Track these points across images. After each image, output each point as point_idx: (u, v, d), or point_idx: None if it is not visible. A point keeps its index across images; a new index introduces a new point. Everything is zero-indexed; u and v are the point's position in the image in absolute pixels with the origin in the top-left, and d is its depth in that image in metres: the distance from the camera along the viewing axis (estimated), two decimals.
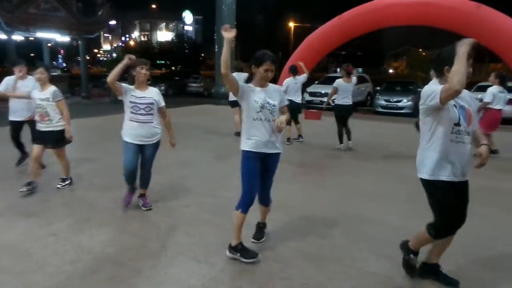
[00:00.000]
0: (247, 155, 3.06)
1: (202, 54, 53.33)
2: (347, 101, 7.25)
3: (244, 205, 3.07)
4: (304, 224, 3.92)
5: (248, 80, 3.22)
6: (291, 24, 44.44)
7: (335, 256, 3.27)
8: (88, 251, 3.25)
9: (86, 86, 17.99)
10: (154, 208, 4.23)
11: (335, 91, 7.31)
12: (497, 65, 32.10)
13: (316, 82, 17.59)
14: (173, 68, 46.52)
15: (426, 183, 2.62)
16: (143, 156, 4.09)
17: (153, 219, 4.00)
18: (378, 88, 18.61)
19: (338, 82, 7.24)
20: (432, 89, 2.47)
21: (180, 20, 79.54)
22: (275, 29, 47.35)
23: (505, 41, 10.19)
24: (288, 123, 7.00)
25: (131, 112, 3.91)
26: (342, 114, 7.33)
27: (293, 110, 6.95)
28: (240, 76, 6.98)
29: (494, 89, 6.81)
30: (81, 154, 6.50)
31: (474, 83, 15.11)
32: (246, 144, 3.05)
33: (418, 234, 2.79)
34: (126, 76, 3.96)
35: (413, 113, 14.41)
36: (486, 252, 3.35)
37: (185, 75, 26.41)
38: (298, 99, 7.95)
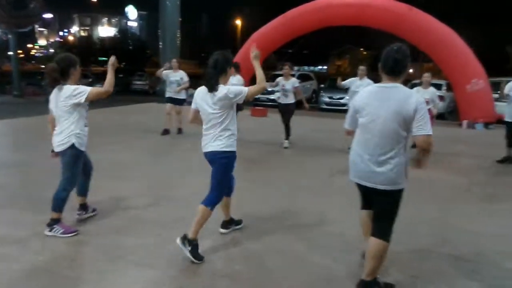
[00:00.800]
0: (234, 155, 3.23)
1: (148, 51, 51.82)
2: (287, 100, 7.44)
3: (215, 204, 3.19)
4: (248, 221, 3.96)
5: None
6: (238, 22, 44.49)
7: (280, 251, 3.34)
8: (17, 261, 3.04)
9: (18, 83, 16.72)
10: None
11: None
12: (429, 65, 34.58)
13: None
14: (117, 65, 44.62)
15: (399, 192, 2.59)
16: (86, 163, 3.76)
17: (90, 222, 3.83)
18: (322, 85, 19.23)
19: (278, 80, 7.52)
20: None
21: (123, 15, 76.48)
22: (222, 25, 47.20)
23: (434, 41, 10.98)
24: None
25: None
26: (282, 112, 7.60)
27: None
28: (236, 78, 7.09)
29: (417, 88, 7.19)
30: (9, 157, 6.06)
31: (408, 81, 16.15)
32: (234, 145, 3.21)
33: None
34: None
35: None
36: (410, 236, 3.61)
37: (129, 72, 25.52)
38: None
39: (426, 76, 7.11)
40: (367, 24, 12.07)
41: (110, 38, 52.89)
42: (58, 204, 3.45)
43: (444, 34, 10.96)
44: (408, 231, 3.56)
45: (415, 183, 3.36)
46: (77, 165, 3.49)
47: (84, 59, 27.04)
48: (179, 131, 8.56)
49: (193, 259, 3.05)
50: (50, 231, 3.43)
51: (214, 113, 3.09)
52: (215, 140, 3.13)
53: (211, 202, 3.16)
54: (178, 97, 8.44)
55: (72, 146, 3.39)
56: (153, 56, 48.19)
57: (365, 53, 58.16)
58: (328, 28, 13.07)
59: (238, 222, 3.76)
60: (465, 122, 10.75)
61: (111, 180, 5.02)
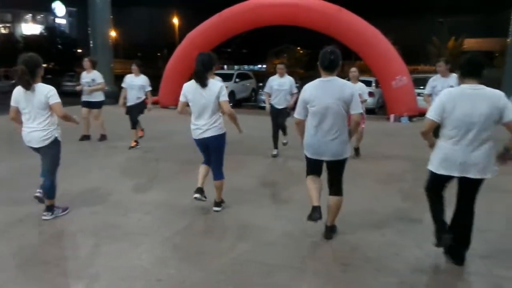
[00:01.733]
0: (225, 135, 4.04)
1: (80, 50, 48.81)
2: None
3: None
4: (177, 220, 3.93)
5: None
6: (175, 20, 43.60)
7: (203, 251, 3.36)
8: None
9: None
10: (22, 220, 3.84)
11: None
12: (361, 62, 36.60)
13: None
14: (44, 65, 41.57)
15: (346, 160, 3.43)
16: None
17: (21, 232, 3.57)
18: (261, 84, 19.50)
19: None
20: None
21: (50, 11, 71.37)
22: (159, 24, 45.94)
23: (362, 41, 11.62)
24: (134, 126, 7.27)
25: None
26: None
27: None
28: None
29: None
30: None
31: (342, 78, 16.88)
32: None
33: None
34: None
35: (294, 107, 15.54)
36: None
37: (58, 73, 23.93)
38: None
39: (353, 71, 6.87)
40: (300, 24, 12.44)
41: (35, 36, 48.95)
42: (53, 191, 3.93)
43: (370, 34, 11.64)
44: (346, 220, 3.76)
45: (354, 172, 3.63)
46: (60, 155, 3.94)
47: (6, 59, 24.79)
48: (102, 137, 7.90)
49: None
50: (51, 214, 3.92)
51: (208, 104, 3.75)
52: (210, 127, 3.84)
53: (222, 174, 4.09)
54: (92, 100, 7.68)
55: (56, 139, 3.80)
56: (85, 56, 45.52)
57: (301, 52, 60.01)
58: (265, 27, 13.27)
59: (205, 196, 4.17)
60: (392, 116, 11.51)
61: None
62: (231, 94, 15.89)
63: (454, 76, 5.92)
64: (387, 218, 4.09)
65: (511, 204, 4.59)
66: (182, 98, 3.90)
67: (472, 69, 2.92)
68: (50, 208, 3.94)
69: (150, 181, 5.36)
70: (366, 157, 6.67)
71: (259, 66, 72.89)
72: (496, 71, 18.08)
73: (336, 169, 3.42)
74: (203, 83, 3.75)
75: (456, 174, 2.96)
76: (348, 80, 7.12)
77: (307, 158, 3.51)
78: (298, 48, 61.56)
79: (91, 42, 15.04)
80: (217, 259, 3.22)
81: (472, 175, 2.91)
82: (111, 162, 6.33)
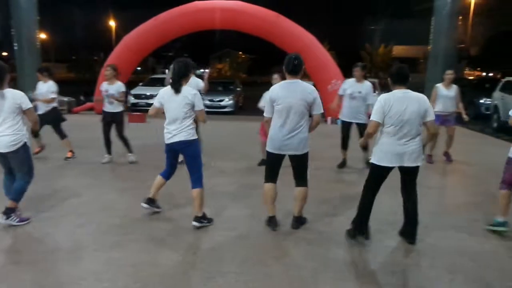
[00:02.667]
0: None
1: (5, 53, 44.91)
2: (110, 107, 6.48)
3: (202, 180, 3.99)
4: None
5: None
6: (112, 23, 41.86)
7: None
8: None
9: None
10: None
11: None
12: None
13: (141, 84, 17.10)
14: None
15: (307, 154, 3.81)
16: None
17: None
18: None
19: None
20: None
21: None
22: (95, 27, 43.90)
23: (300, 47, 11.95)
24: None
25: None
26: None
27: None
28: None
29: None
30: None
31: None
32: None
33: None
34: None
35: (234, 111, 15.62)
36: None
37: None
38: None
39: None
40: (239, 29, 12.56)
41: None
42: (20, 195, 3.84)
43: (307, 40, 12.08)
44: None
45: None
46: (31, 158, 3.98)
47: None
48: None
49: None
50: (6, 219, 3.77)
51: (180, 110, 3.77)
52: (179, 132, 3.80)
53: (199, 183, 3.90)
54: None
55: (25, 144, 3.83)
56: (11, 59, 42.04)
57: (243, 56, 60.57)
58: (207, 31, 13.19)
59: (158, 206, 4.31)
60: (329, 119, 11.99)
61: None
62: None
63: (367, 85, 6.11)
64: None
65: (432, 198, 4.99)
66: (156, 104, 3.92)
67: (401, 77, 3.52)
68: (7, 212, 3.79)
69: (87, 192, 5.05)
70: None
71: (202, 70, 72.31)
72: (420, 76, 19.60)
73: (299, 162, 3.81)
74: (177, 89, 3.78)
75: (395, 164, 3.49)
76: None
77: (268, 155, 3.82)
78: (240, 53, 62.07)
79: (15, 44, 13.94)
80: (154, 269, 3.11)
81: (408, 164, 3.47)
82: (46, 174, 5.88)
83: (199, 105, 3.84)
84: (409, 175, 3.59)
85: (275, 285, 2.96)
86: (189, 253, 3.45)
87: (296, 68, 3.67)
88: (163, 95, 3.88)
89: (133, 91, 15.41)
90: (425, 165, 6.21)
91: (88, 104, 14.42)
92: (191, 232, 3.85)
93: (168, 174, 4.15)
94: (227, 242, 3.65)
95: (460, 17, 12.24)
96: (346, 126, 6.38)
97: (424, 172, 6.08)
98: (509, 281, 3.07)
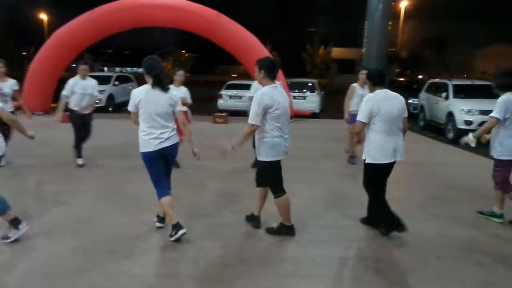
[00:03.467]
0: None
1: None
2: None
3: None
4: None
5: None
6: (44, 16, 39.04)
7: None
8: None
9: None
10: None
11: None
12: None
13: None
14: None
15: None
16: None
17: None
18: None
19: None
20: None
21: None
22: (23, 19, 40.63)
23: (241, 47, 12.09)
24: None
25: None
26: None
27: None
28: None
29: None
30: None
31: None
32: None
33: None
34: None
35: None
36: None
37: None
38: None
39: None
40: (181, 27, 12.34)
41: None
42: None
43: (248, 40, 12.18)
44: None
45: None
46: None
47: None
48: None
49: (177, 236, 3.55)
50: None
51: (168, 111, 3.53)
52: (170, 135, 3.56)
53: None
54: None
55: None
56: None
57: (187, 55, 59.62)
58: (149, 28, 12.77)
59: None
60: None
61: None
62: (110, 98, 14.93)
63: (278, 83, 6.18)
64: None
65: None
66: (134, 109, 3.51)
67: (383, 78, 3.75)
68: None
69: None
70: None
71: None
72: (357, 77, 20.61)
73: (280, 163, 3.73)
74: (166, 89, 3.53)
75: (391, 160, 3.66)
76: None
77: (274, 164, 3.63)
78: (184, 51, 61.04)
79: None
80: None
81: (398, 158, 3.70)
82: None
83: (180, 106, 3.68)
84: (391, 170, 3.77)
85: None
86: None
87: (275, 71, 3.60)
88: (139, 96, 3.47)
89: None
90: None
91: (15, 104, 13.33)
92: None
93: (167, 186, 3.70)
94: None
95: (390, 22, 13.05)
96: None
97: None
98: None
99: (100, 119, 11.44)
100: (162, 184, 3.60)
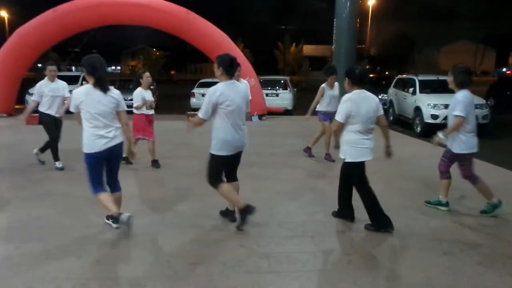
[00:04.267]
0: None
1: None
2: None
3: None
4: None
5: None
6: (4, 14, 37.40)
7: None
8: None
9: None
10: None
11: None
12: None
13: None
14: None
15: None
16: None
17: None
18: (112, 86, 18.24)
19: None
20: None
21: None
22: None
23: (211, 44, 12.00)
24: None
25: None
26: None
27: None
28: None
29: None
30: None
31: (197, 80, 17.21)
32: None
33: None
34: None
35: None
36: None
37: None
38: None
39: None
40: (148, 24, 12.13)
41: None
42: None
43: (220, 38, 12.11)
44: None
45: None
46: None
47: None
48: None
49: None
50: None
51: (111, 111, 3.54)
52: (117, 134, 3.58)
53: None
54: None
55: None
56: None
57: (158, 53, 58.58)
58: (118, 26, 12.44)
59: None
60: (255, 116, 12.22)
61: None
62: None
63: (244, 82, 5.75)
64: None
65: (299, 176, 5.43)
66: (75, 109, 3.51)
67: (363, 78, 3.82)
68: None
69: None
70: None
71: (113, 67, 68.41)
72: None
73: (239, 158, 3.89)
74: (107, 89, 3.52)
75: (370, 157, 3.80)
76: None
77: (222, 159, 3.69)
78: (155, 49, 59.94)
79: None
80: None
81: (371, 157, 3.82)
82: None
83: (123, 105, 3.66)
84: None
85: None
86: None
87: (235, 69, 3.77)
88: (80, 97, 3.46)
89: (32, 90, 13.94)
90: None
91: None
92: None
93: (115, 186, 3.78)
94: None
95: (358, 20, 13.26)
96: None
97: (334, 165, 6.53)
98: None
99: (67, 121, 11.15)
100: (100, 181, 3.62)
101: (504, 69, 44.06)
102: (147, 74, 6.16)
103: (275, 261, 3.29)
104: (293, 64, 44.37)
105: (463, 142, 4.16)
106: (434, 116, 9.89)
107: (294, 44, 45.47)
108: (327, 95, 6.78)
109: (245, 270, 3.13)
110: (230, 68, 3.66)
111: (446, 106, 9.74)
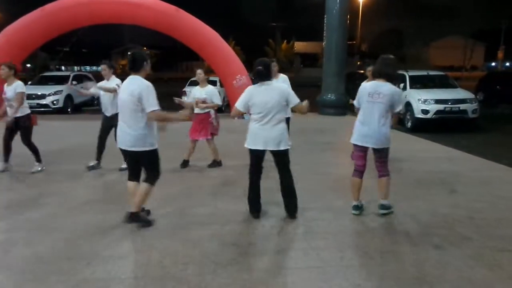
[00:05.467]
0: None
1: None
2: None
3: None
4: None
5: None
6: None
7: None
8: None
9: None
10: None
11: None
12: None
13: (30, 82, 15.36)
14: None
15: None
16: None
17: None
18: None
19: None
20: None
21: None
22: None
23: (202, 42, 11.93)
24: None
25: None
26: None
27: None
28: None
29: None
30: None
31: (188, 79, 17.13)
32: None
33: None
34: None
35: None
36: None
37: None
38: None
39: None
40: (138, 23, 11.99)
41: None
42: None
43: (210, 36, 12.05)
44: None
45: None
46: None
47: None
48: None
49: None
50: None
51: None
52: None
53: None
54: None
55: None
56: None
57: (148, 52, 58.23)
58: (107, 25, 12.30)
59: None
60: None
61: None
62: (68, 98, 14.32)
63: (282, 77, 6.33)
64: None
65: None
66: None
67: (264, 75, 3.87)
68: None
69: None
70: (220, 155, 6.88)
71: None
72: (320, 70, 20.93)
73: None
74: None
75: (260, 147, 3.87)
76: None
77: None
78: (145, 48, 59.50)
79: None
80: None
81: (271, 148, 3.86)
82: None
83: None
84: (277, 158, 3.98)
85: None
86: None
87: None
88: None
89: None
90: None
91: None
92: None
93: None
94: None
95: (349, 16, 13.33)
96: None
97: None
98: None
99: (59, 121, 11.03)
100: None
101: (493, 64, 44.52)
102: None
103: (267, 259, 3.29)
104: (284, 61, 44.40)
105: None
106: (425, 111, 9.95)
107: (285, 41, 45.49)
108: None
109: (237, 269, 3.12)
110: (131, 63, 3.72)
111: (437, 101, 9.86)
